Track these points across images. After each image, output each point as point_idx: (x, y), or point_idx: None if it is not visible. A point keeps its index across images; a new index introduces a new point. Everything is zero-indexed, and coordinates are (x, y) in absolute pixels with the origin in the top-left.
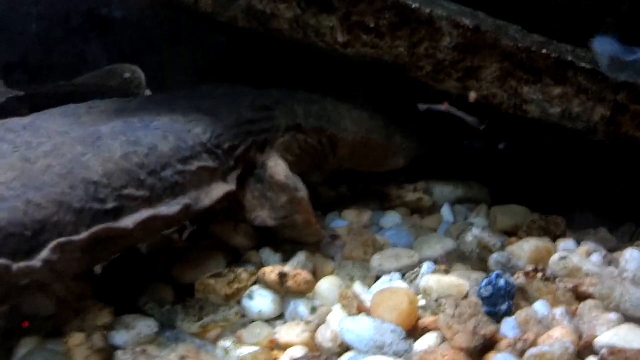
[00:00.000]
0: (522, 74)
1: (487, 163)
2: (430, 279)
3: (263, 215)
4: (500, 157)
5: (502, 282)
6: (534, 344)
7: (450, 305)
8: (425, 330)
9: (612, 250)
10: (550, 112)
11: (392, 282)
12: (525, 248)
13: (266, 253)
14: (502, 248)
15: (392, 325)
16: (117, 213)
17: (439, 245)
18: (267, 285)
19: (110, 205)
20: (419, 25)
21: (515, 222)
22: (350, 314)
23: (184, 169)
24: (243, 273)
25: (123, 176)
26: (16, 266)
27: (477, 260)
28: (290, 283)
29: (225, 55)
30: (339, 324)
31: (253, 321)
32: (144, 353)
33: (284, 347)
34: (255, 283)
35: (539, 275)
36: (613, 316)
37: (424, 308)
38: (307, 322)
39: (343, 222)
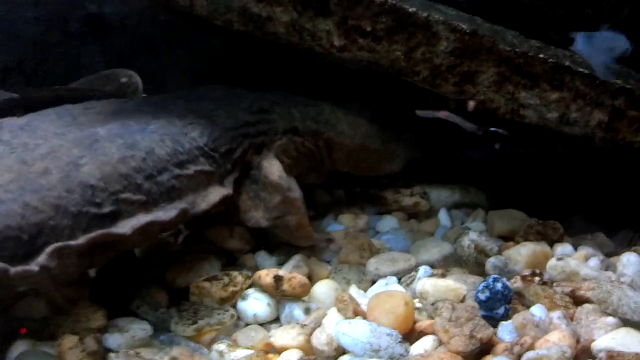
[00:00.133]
0: (519, 79)
1: (484, 168)
2: (427, 283)
3: (257, 216)
4: (497, 163)
5: (499, 285)
6: (531, 347)
7: (447, 309)
8: (421, 334)
9: (609, 255)
10: (547, 117)
11: (388, 285)
12: (522, 252)
13: (261, 256)
14: (499, 252)
15: (388, 329)
16: (114, 217)
17: (436, 249)
18: (262, 289)
19: (107, 209)
20: (416, 29)
21: (512, 226)
22: (346, 317)
23: (180, 173)
24: (238, 276)
25: (120, 180)
26: (14, 270)
27: (474, 264)
28: (285, 286)
29: (222, 59)
30: (335, 327)
31: (248, 324)
32: (138, 356)
33: (279, 351)
34: (250, 286)
35: (536, 279)
36: (610, 320)
37: (420, 311)
38: (303, 326)
39: (339, 226)
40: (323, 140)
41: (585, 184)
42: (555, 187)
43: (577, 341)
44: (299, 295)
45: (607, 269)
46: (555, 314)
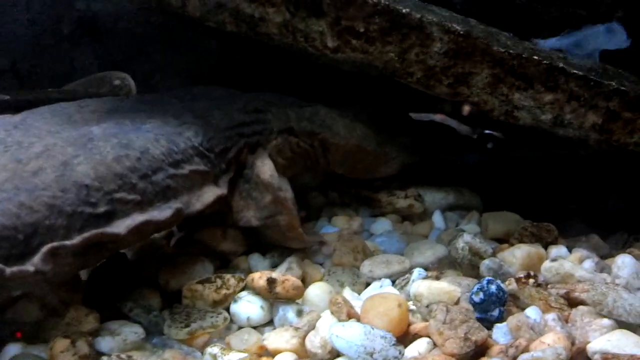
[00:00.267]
0: (513, 80)
1: (478, 171)
2: (421, 285)
3: (248, 215)
4: (492, 165)
5: (493, 288)
6: (525, 350)
7: (441, 311)
8: (415, 336)
9: (604, 256)
10: (541, 118)
11: (382, 288)
12: (517, 254)
13: (255, 259)
14: (494, 254)
15: (382, 331)
16: (109, 217)
17: (430, 252)
18: (256, 291)
19: (101, 209)
20: (410, 30)
21: (507, 228)
22: (340, 320)
23: (175, 173)
24: (231, 279)
25: (115, 180)
26: (9, 270)
27: (468, 266)
28: (278, 289)
29: (215, 61)
30: (329, 329)
31: (241, 327)
32: (130, 359)
33: (272, 354)
34: (243, 289)
35: (531, 281)
36: (606, 322)
37: (414, 314)
38: (296, 328)
39: (333, 228)
40: (318, 141)
41: (580, 186)
42: (550, 189)
43: (572, 343)
44: (293, 297)
45: (601, 270)
46: (550, 316)
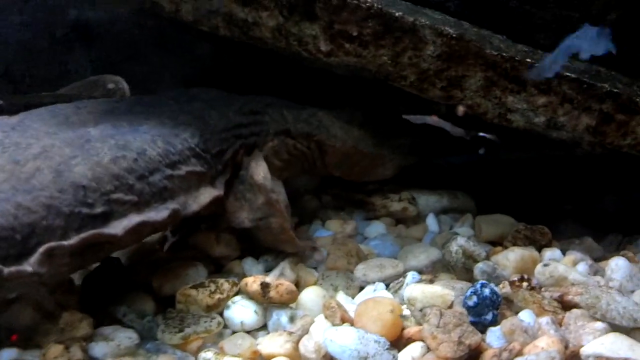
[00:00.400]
0: (506, 83)
1: (472, 173)
2: (415, 289)
3: (242, 217)
4: (486, 168)
5: (487, 291)
6: (519, 353)
7: (435, 315)
8: (409, 340)
9: (598, 259)
10: (534, 121)
11: (376, 292)
12: (511, 257)
13: (248, 263)
14: (487, 257)
15: (376, 336)
16: (106, 218)
17: (424, 255)
18: (249, 296)
19: (98, 209)
20: (403, 33)
21: (501, 231)
22: (333, 324)
23: (172, 174)
24: (225, 283)
25: (112, 180)
26: (7, 270)
27: (462, 269)
28: (272, 293)
29: (209, 65)
30: (322, 334)
31: (235, 332)
32: None
33: (266, 358)
34: (237, 293)
35: (525, 284)
36: (599, 325)
37: (408, 318)
38: (290, 333)
39: (327, 232)
40: (315, 143)
41: (574, 187)
42: (544, 190)
43: (566, 346)
44: (287, 302)
45: (595, 273)
46: (544, 320)
